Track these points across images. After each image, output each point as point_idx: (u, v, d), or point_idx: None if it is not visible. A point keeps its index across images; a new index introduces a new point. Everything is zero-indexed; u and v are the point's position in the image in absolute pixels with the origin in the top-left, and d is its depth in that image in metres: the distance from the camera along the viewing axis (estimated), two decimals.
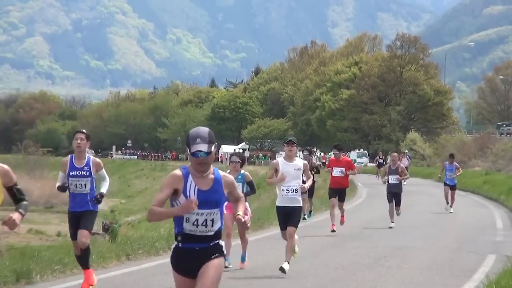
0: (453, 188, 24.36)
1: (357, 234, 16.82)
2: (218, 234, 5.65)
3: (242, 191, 11.29)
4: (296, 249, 11.62)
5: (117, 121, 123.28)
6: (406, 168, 43.48)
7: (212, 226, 5.59)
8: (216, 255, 5.60)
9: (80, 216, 9.50)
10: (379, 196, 31.97)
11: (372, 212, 24.08)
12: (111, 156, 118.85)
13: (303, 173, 11.58)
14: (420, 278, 11.09)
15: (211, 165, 5.63)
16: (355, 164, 63.96)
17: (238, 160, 12.09)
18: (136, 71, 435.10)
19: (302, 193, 20.18)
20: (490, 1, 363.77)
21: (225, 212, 10.60)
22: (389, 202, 19.27)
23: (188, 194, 5.52)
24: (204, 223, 5.56)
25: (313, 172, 19.58)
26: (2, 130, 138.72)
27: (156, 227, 16.75)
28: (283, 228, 11.43)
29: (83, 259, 9.47)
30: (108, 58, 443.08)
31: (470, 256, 13.70)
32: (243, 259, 11.87)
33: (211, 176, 5.65)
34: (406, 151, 52.55)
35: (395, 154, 20.20)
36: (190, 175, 5.57)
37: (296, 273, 11.28)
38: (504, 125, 79.68)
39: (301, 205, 11.55)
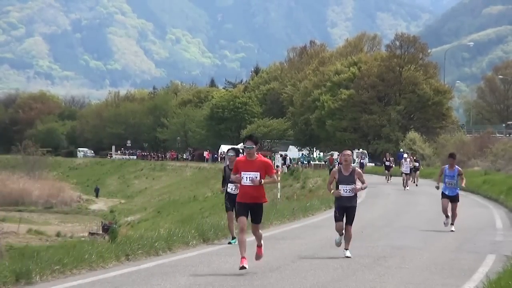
0: (454, 199, 18.36)
1: (357, 234, 16.78)
2: None
3: None
4: None
5: (116, 121, 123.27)
6: (416, 168, 40.64)
7: None
8: None
9: None
10: (379, 196, 32.00)
11: (372, 212, 24.06)
12: (111, 156, 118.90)
13: None
14: (420, 278, 11.09)
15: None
16: (354, 164, 63.95)
17: None
18: (135, 71, 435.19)
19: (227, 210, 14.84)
20: (489, 1, 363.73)
21: None
22: (336, 221, 13.38)
23: None
24: None
25: None
26: (1, 130, 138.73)
27: (155, 227, 16.72)
28: None
29: None
30: (108, 58, 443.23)
31: (470, 256, 13.70)
32: None
33: None
34: (402, 150, 52.41)
35: (348, 152, 13.46)
36: None
37: (296, 273, 11.27)
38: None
39: None
